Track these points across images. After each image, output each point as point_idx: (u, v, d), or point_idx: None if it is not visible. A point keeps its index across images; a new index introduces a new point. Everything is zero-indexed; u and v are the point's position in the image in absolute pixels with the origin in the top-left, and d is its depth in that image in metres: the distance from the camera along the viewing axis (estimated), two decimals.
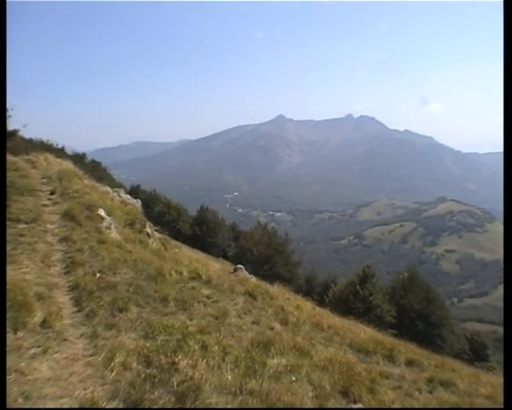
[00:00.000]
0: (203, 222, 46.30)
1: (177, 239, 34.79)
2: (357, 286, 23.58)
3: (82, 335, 4.49)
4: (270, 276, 26.52)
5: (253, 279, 10.83)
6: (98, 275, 6.05)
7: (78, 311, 4.99)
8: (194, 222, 47.38)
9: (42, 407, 3.16)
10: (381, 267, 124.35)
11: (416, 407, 5.11)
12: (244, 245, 35.54)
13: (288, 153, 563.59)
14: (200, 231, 45.38)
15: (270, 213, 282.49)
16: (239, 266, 11.74)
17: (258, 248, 33.16)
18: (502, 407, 3.67)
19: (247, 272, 11.66)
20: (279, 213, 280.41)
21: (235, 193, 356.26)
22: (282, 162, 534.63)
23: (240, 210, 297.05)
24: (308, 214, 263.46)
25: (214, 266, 11.57)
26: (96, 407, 3.28)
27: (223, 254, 47.36)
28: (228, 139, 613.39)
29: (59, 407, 3.21)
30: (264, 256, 32.50)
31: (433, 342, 21.88)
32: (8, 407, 2.98)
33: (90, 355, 4.09)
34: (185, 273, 8.07)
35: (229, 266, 15.98)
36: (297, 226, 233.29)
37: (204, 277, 8.19)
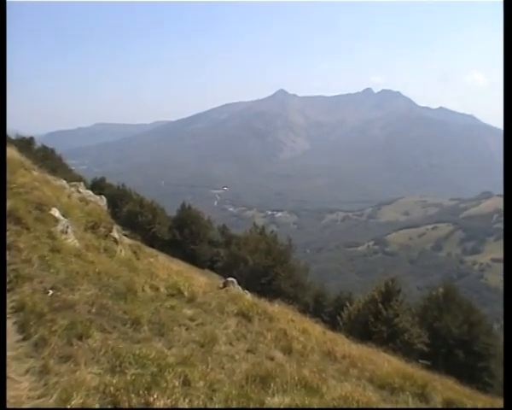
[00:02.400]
0: (185, 224, 46.36)
1: (152, 246, 34.77)
2: (379, 305, 23.65)
3: (28, 370, 4.38)
4: (270, 292, 26.54)
5: (248, 296, 10.82)
6: (51, 292, 5.98)
7: (24, 339, 4.93)
8: (174, 224, 47.45)
9: None
10: (409, 281, 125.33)
11: None
12: (236, 253, 35.64)
13: (291, 138, 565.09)
14: (182, 236, 45.46)
15: (269, 212, 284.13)
16: (230, 279, 11.81)
17: (255, 258, 33.25)
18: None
19: (240, 287, 11.66)
20: (280, 214, 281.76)
21: (225, 188, 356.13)
22: (284, 150, 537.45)
23: (231, 209, 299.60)
24: (316, 215, 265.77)
25: (199, 280, 11.56)
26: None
27: (210, 265, 47.54)
28: (215, 121, 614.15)
29: None
30: (261, 267, 32.61)
31: (478, 377, 22.00)
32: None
33: (39, 397, 4.00)
34: (162, 289, 8.04)
35: (217, 280, 15.92)
36: (303, 230, 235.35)
37: (186, 293, 8.16)
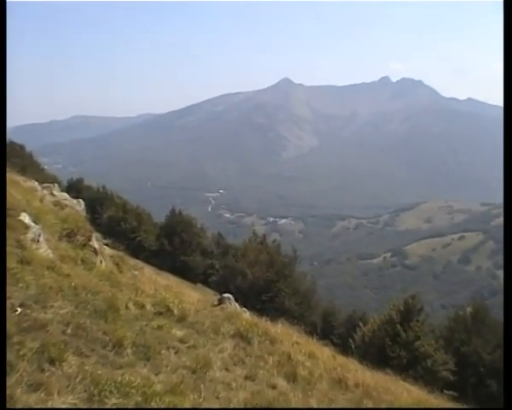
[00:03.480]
0: (174, 233, 46.43)
1: (136, 257, 34.81)
2: (398, 326, 23.65)
3: None
4: (272, 310, 26.48)
5: (247, 315, 10.82)
6: (19, 310, 5.98)
7: None
8: (162, 232, 47.54)
9: None
10: (433, 298, 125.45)
11: None
12: (234, 266, 35.65)
13: (296, 133, 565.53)
14: (171, 246, 45.54)
15: (271, 219, 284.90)
16: (226, 295, 11.87)
17: (254, 271, 33.27)
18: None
19: (237, 305, 11.74)
20: (284, 221, 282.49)
21: (221, 191, 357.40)
22: (289, 147, 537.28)
23: (227, 215, 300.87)
24: (325, 222, 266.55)
25: (191, 296, 11.58)
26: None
27: (203, 279, 47.58)
28: (210, 114, 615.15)
29: None
30: (262, 282, 32.63)
31: None
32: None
33: None
34: (149, 307, 8.04)
35: (211, 296, 15.93)
36: (310, 239, 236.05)
37: (176, 311, 8.17)
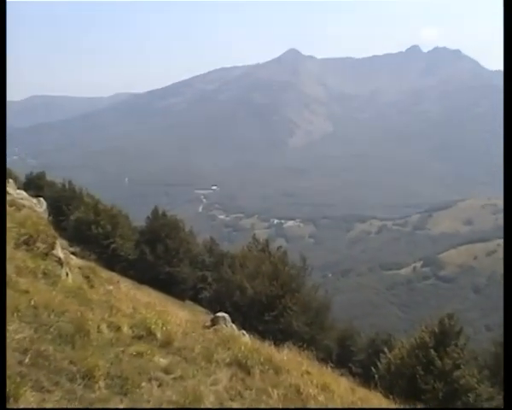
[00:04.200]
0: (158, 238, 46.45)
1: (111, 268, 34.79)
2: (432, 352, 23.61)
3: None
4: (276, 332, 26.42)
5: (246, 338, 10.82)
6: None
7: None
8: (143, 238, 47.55)
9: None
10: (475, 318, 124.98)
11: None
12: (230, 279, 35.62)
13: (306, 117, 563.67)
14: (153, 255, 45.53)
15: (276, 221, 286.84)
16: (221, 314, 11.94)
17: (255, 285, 33.27)
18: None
19: (234, 326, 11.77)
20: (291, 223, 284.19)
21: (214, 187, 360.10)
22: (297, 133, 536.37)
23: (222, 217, 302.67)
24: (342, 224, 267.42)
25: (177, 316, 11.56)
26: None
27: (193, 295, 47.74)
28: (200, 93, 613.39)
29: None
30: (264, 298, 32.63)
31: None
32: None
33: None
34: (126, 329, 8.03)
35: (203, 316, 15.91)
36: (322, 245, 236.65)
37: (159, 335, 8.16)
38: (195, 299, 46.90)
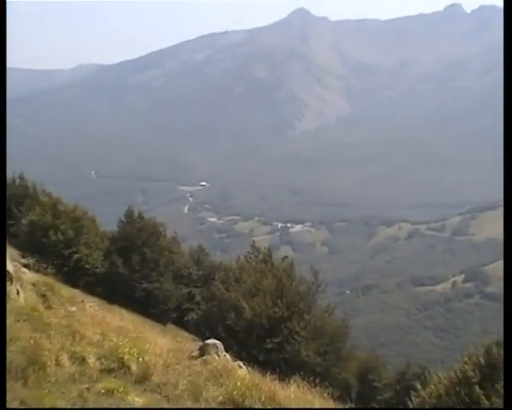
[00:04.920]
0: (132, 247, 46.37)
1: (74, 285, 34.74)
2: (477, 388, 23.55)
3: None
4: (281, 363, 26.39)
5: (243, 371, 10.82)
6: None
7: None
8: (114, 247, 47.41)
9: None
10: None
11: None
12: (223, 297, 35.58)
13: (318, 93, 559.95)
14: (127, 268, 45.43)
15: (280, 225, 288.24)
16: (212, 341, 11.98)
17: (254, 304, 33.22)
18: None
19: (228, 356, 11.80)
20: (298, 227, 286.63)
21: (204, 184, 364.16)
22: (307, 115, 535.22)
23: (213, 219, 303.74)
24: (362, 228, 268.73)
25: (157, 344, 11.58)
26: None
27: (177, 317, 47.69)
28: (185, 65, 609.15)
29: None
30: (266, 321, 32.58)
31: None
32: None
33: None
34: (93, 361, 8.02)
35: (189, 343, 15.84)
36: (338, 255, 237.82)
37: (135, 368, 8.15)
38: (180, 322, 46.77)
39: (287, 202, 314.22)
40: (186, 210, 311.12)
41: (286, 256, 42.41)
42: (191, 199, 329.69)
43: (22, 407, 6.15)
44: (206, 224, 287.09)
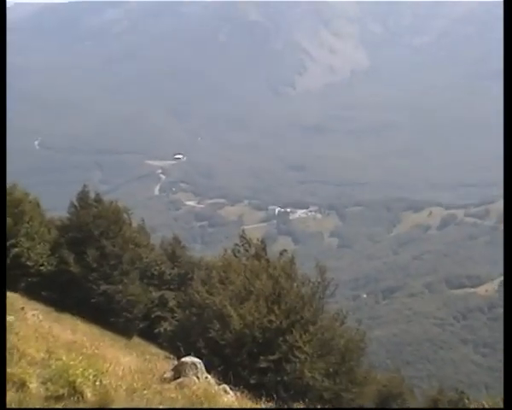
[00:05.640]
0: (87, 238, 46.31)
1: (13, 288, 34.56)
2: None
3: None
4: (279, 387, 26.40)
5: (230, 397, 10.82)
6: None
7: None
8: (64, 239, 47.32)
9: None
10: None
11: None
12: (204, 302, 35.60)
13: (325, 41, 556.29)
14: (80, 265, 45.39)
15: (278, 210, 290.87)
16: (189, 360, 11.93)
17: (245, 312, 33.22)
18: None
19: (211, 378, 11.76)
20: (301, 212, 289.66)
21: (179, 157, 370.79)
22: (310, 69, 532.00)
23: (192, 203, 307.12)
24: (383, 215, 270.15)
25: (120, 363, 11.57)
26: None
27: (145, 329, 47.65)
28: (153, 3, 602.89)
29: None
30: (259, 334, 32.59)
31: None
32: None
33: None
34: (35, 385, 7.98)
35: (161, 362, 15.81)
36: (352, 248, 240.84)
37: (90, 393, 8.12)
38: (149, 335, 46.78)
39: (285, 180, 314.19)
40: (157, 191, 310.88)
41: (285, 250, 42.17)
42: (163, 177, 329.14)
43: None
44: (183, 209, 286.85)
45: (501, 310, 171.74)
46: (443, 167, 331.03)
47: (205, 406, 9.47)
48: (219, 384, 11.85)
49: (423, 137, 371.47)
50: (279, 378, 30.31)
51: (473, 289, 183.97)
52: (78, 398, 8.21)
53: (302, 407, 13.11)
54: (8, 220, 45.04)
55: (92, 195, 49.87)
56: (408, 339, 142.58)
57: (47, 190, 55.88)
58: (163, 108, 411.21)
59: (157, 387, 10.16)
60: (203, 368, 11.84)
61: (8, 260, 44.00)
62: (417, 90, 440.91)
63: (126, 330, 43.93)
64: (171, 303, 47.21)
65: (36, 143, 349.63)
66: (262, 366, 31.23)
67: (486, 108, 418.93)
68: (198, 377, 11.30)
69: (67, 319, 33.33)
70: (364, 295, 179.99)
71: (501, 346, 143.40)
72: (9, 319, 12.62)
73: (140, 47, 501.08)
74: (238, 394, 12.03)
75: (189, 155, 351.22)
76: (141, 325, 47.76)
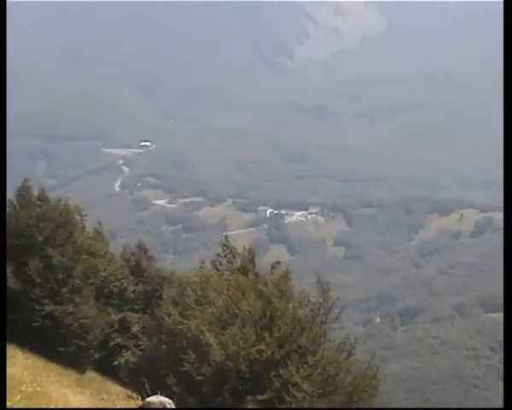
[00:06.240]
0: (29, 247, 46.20)
1: None
2: None
3: None
4: None
5: None
6: None
7: None
8: None
9: None
10: None
11: None
12: (176, 327, 35.61)
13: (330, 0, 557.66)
14: (20, 279, 45.32)
15: (270, 212, 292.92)
16: (157, 399, 11.91)
17: (228, 338, 33.23)
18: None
19: None
20: (298, 215, 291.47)
21: (145, 144, 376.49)
22: (312, 36, 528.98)
23: (161, 202, 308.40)
24: (401, 217, 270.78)
25: (69, 402, 11.58)
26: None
27: (101, 360, 47.55)
28: None
29: None
30: (245, 367, 32.61)
31: None
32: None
33: None
34: None
35: (121, 401, 15.74)
36: (363, 260, 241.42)
37: None
38: (107, 368, 46.61)
39: (279, 175, 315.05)
40: (117, 187, 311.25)
41: (278, 262, 42.14)
42: (126, 169, 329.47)
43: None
44: (151, 209, 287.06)
45: None
46: (476, 160, 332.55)
47: None
48: None
49: (451, 122, 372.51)
50: None
51: None
52: None
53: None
54: None
55: (36, 191, 49.62)
56: (432, 375, 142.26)
57: None
58: (127, 83, 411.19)
59: None
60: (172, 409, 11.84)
61: None
62: (443, 63, 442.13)
63: (78, 362, 43.67)
64: (135, 328, 47.02)
65: None
66: (249, 407, 31.14)
67: None
68: None
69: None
70: (378, 320, 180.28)
71: None
72: None
73: (100, 6, 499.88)
74: None
75: (159, 141, 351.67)
76: (96, 356, 47.42)
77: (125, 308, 50.01)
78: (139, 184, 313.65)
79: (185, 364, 32.88)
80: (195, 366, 32.77)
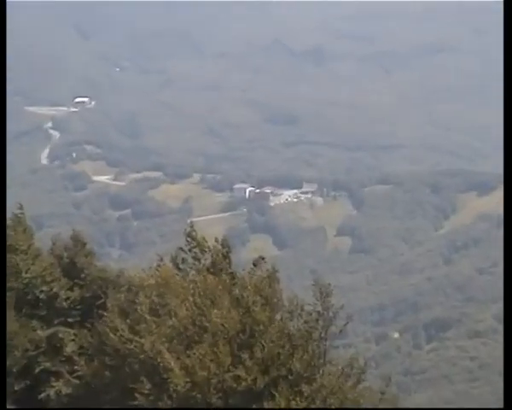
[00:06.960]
0: None
1: None
2: None
3: None
4: None
5: None
6: None
7: None
8: None
9: None
10: None
11: None
12: (123, 347, 35.55)
13: None
14: None
15: (249, 191, 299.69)
16: None
17: (195, 361, 33.14)
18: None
19: None
20: (288, 195, 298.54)
21: (82, 100, 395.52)
22: None
23: (105, 178, 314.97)
24: (426, 198, 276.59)
25: None
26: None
27: (22, 391, 47.36)
28: None
29: None
30: (217, 399, 32.53)
31: None
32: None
33: None
34: None
35: None
36: (374, 255, 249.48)
37: None
38: (30, 402, 46.56)
39: (262, 141, 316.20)
40: (44, 158, 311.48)
41: (261, 258, 41.83)
42: (55, 134, 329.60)
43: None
44: (90, 188, 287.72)
45: None
46: None
47: None
48: None
49: (494, 69, 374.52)
50: None
51: None
52: None
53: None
54: None
55: None
56: (466, 406, 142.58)
57: None
58: (58, 19, 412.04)
59: None
60: None
61: None
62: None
63: None
64: (70, 348, 46.74)
65: None
66: None
67: None
68: None
69: None
70: (396, 335, 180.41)
71: None
72: None
73: None
74: None
75: (100, 97, 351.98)
76: (16, 387, 47.21)
77: (56, 321, 49.42)
78: (74, 155, 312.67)
79: (137, 395, 32.67)
80: (151, 398, 32.56)
